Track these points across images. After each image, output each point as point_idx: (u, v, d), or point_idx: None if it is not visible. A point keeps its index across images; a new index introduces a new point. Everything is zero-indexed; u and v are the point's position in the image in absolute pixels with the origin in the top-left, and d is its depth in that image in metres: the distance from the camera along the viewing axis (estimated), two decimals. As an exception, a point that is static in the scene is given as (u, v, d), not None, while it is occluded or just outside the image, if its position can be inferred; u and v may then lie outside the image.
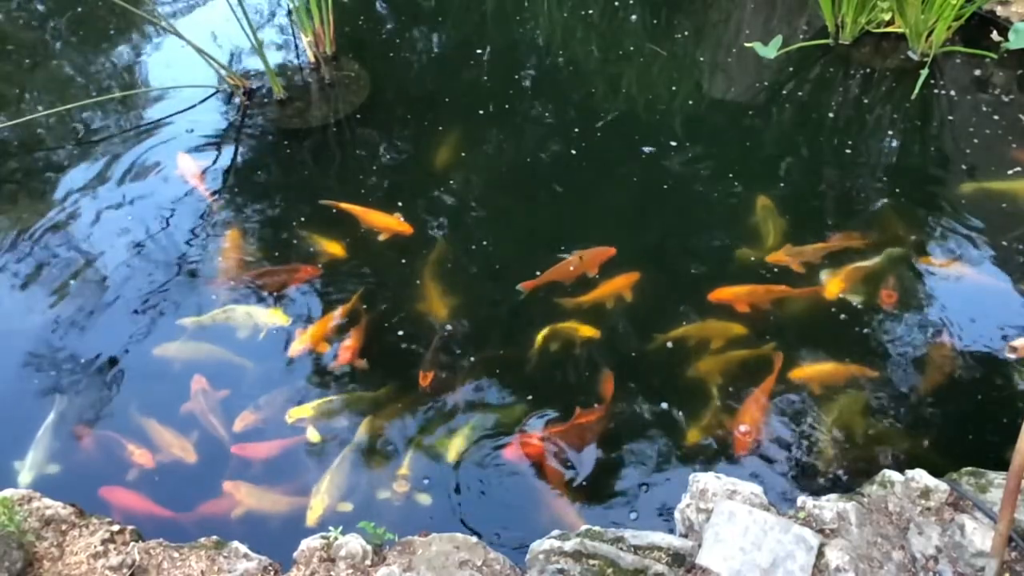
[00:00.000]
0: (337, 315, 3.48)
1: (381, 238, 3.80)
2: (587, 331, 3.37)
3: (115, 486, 2.93)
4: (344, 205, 3.93)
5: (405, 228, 3.84)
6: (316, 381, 3.29)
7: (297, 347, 3.35)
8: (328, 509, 2.84)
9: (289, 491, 2.95)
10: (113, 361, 3.32)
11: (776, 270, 3.65)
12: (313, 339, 3.38)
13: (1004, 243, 3.79)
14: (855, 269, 3.62)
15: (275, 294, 3.58)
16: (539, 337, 3.38)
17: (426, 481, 2.95)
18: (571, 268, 3.63)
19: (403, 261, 3.72)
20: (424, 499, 2.89)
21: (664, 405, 3.17)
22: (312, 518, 2.83)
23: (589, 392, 3.22)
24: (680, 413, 3.15)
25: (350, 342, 3.36)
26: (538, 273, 3.61)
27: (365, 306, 3.51)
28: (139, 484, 2.95)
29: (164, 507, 2.88)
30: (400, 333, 3.44)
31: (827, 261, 3.68)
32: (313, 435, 3.08)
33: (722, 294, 3.51)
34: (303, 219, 3.92)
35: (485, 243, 3.81)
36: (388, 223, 3.85)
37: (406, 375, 3.28)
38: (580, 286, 3.59)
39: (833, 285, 3.55)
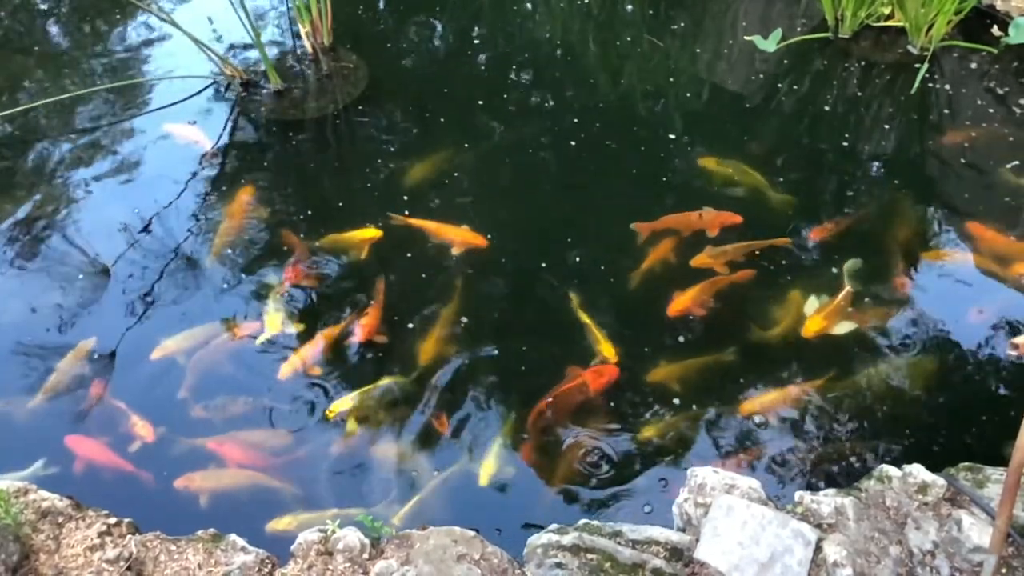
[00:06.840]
0: (347, 312, 3.44)
1: (455, 251, 3.68)
2: (607, 350, 3.28)
3: (80, 435, 2.96)
4: (414, 220, 3.80)
5: (479, 240, 3.68)
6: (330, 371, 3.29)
7: (309, 349, 3.30)
8: (299, 527, 2.73)
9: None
10: (113, 352, 3.31)
11: (784, 261, 3.65)
12: (324, 339, 3.34)
13: (1005, 238, 3.78)
14: (840, 301, 3.44)
15: (284, 294, 3.55)
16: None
17: (435, 473, 2.95)
18: (691, 221, 3.70)
19: (408, 255, 3.70)
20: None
21: (676, 401, 3.17)
22: (274, 527, 2.78)
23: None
24: (687, 407, 3.15)
25: (367, 319, 3.34)
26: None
27: (372, 294, 3.48)
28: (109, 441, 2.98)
29: (125, 459, 2.91)
30: (411, 326, 3.41)
31: (754, 259, 3.64)
32: (352, 425, 3.05)
33: (679, 305, 3.43)
34: (309, 212, 3.90)
35: (490, 236, 3.77)
36: (463, 236, 3.71)
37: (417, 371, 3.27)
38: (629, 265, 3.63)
39: (813, 323, 3.37)
